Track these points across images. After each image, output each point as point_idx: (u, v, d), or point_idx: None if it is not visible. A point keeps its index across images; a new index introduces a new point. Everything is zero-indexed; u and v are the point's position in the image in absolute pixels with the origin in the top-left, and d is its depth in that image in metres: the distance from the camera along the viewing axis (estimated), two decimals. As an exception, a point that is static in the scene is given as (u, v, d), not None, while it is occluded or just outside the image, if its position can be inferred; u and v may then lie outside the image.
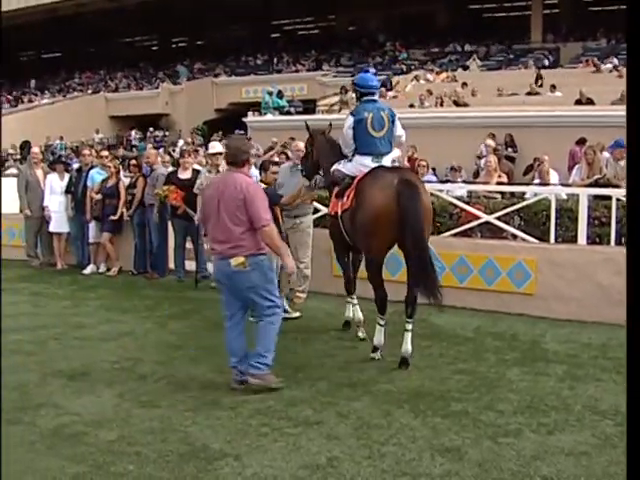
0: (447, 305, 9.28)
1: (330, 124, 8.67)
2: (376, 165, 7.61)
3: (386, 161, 7.79)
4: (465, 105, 22.68)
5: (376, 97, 8.14)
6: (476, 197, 11.26)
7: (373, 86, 8.08)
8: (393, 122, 7.79)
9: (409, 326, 7.18)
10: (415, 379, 6.72)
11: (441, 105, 23.38)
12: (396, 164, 12.31)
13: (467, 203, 10.79)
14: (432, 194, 10.53)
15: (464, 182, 13.17)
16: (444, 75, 30.04)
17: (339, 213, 7.73)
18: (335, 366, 7.10)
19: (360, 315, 8.29)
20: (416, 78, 29.43)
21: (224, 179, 6.54)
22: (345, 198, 7.63)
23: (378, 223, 7.06)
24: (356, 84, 8.06)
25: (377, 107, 7.80)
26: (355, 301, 8.40)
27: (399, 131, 7.95)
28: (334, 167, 7.99)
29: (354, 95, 8.45)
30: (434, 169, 15.56)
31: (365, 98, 7.87)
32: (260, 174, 9.35)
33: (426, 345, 7.82)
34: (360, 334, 8.13)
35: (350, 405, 6.04)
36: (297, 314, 9.16)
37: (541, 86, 24.37)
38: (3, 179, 16.26)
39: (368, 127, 7.61)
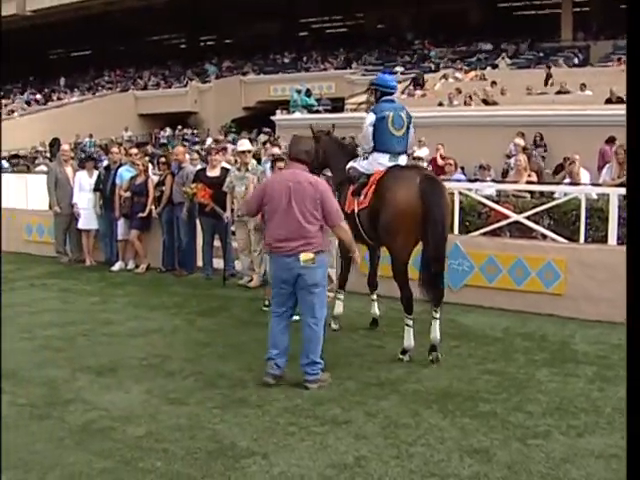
0: (475, 305, 9.37)
1: (333, 125, 8.88)
2: (393, 164, 7.70)
3: (402, 160, 7.89)
4: (494, 104, 22.56)
5: (394, 97, 8.24)
6: (505, 196, 11.16)
7: (393, 86, 8.17)
8: (410, 123, 7.89)
9: (436, 314, 7.30)
10: (443, 379, 6.69)
11: (470, 104, 23.27)
12: (424, 163, 12.34)
13: (496, 202, 10.71)
14: (461, 193, 10.53)
15: (493, 181, 13.06)
16: (473, 73, 29.90)
17: (356, 211, 7.76)
18: (363, 365, 7.09)
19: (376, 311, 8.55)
20: (445, 76, 29.33)
21: (293, 176, 6.53)
22: (362, 196, 7.68)
23: (404, 221, 7.12)
24: (376, 84, 8.10)
25: (396, 107, 7.90)
26: (374, 296, 8.58)
27: (412, 133, 8.05)
28: (350, 165, 8.05)
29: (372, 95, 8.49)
30: (462, 168, 15.47)
31: (385, 98, 7.93)
32: (272, 170, 9.51)
33: (454, 345, 7.78)
34: (333, 325, 8.37)
35: (378, 404, 6.02)
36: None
37: (552, 85, 24.25)
38: (33, 176, 16.45)
39: (389, 125, 7.70)
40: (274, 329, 6.62)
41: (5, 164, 27.01)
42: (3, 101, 44.45)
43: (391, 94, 8.04)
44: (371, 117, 7.74)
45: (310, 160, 6.71)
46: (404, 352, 7.33)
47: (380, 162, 7.69)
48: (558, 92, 23.16)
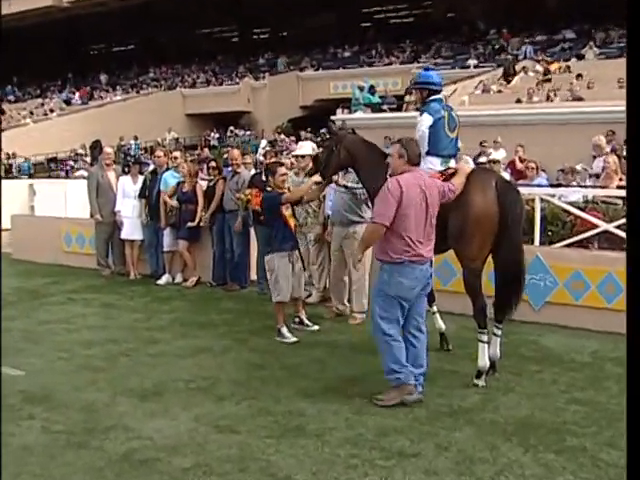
0: (559, 325, 9.21)
1: (352, 130, 9.09)
2: (444, 168, 7.78)
3: (452, 163, 7.96)
4: (580, 99, 22.24)
5: (442, 95, 8.36)
6: (593, 203, 10.97)
7: (440, 83, 8.27)
8: (458, 123, 8.03)
9: (498, 331, 7.46)
10: (524, 408, 6.57)
11: (552, 100, 22.99)
12: (501, 167, 12.20)
13: (583, 210, 10.54)
14: (543, 199, 10.38)
15: (579, 186, 12.84)
16: (556, 65, 29.55)
17: None
18: (433, 391, 6.99)
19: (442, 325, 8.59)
20: (524, 70, 29.05)
21: (422, 180, 6.78)
22: None
23: (480, 228, 7.17)
24: (424, 82, 8.11)
25: (447, 106, 8.04)
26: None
27: None
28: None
29: (414, 94, 8.52)
30: (544, 171, 15.26)
31: (433, 97, 8.00)
32: (267, 178, 9.54)
33: (536, 370, 7.65)
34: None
35: (451, 436, 5.94)
36: (316, 327, 9.43)
37: (579, 77, 23.75)
38: (72, 181, 16.70)
39: (445, 127, 7.79)
40: (398, 350, 6.69)
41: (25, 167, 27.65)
42: (39, 100, 45.39)
43: (439, 92, 8.14)
44: (428, 120, 7.79)
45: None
46: (479, 375, 7.26)
47: (431, 166, 7.71)
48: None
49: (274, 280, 9.08)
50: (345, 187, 9.60)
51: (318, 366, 7.75)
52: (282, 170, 9.36)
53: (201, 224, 12.48)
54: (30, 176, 30.26)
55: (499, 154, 14.48)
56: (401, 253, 6.59)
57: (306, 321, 9.46)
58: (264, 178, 9.81)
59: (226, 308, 10.81)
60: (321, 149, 9.19)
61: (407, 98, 25.54)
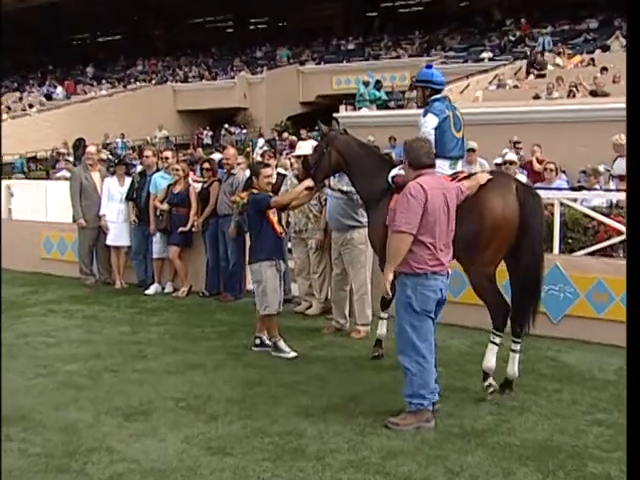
0: (580, 340, 9.21)
1: (344, 130, 9.12)
2: (453, 171, 7.86)
3: (460, 166, 8.07)
4: (605, 95, 22.21)
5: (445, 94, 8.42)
6: (618, 207, 10.96)
7: (443, 82, 8.35)
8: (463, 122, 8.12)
9: (516, 346, 7.47)
10: (542, 430, 6.57)
11: (574, 95, 22.98)
12: (516, 169, 12.22)
13: (606, 215, 10.54)
14: (562, 204, 10.38)
15: (603, 189, 12.84)
16: (578, 58, 29.52)
17: None
18: (443, 411, 6.98)
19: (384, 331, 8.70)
20: (538, 68, 29.01)
21: (442, 182, 6.88)
22: None
23: (498, 234, 7.26)
24: (426, 80, 8.20)
25: (451, 106, 8.10)
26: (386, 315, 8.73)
27: None
28: (394, 173, 8.12)
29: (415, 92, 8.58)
30: (564, 172, 15.28)
31: (437, 96, 8.08)
32: (251, 180, 9.61)
33: (555, 389, 7.65)
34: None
35: (462, 460, 5.94)
36: (293, 354, 9.10)
37: (604, 70, 23.70)
38: (53, 183, 16.66)
39: (451, 127, 7.87)
40: (430, 374, 6.72)
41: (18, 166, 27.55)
42: (17, 94, 45.32)
43: (440, 91, 8.21)
44: (434, 120, 7.85)
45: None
46: (486, 376, 7.42)
47: (439, 169, 7.69)
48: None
49: (261, 292, 9.04)
50: (341, 191, 9.59)
51: (318, 383, 7.76)
52: (267, 171, 9.35)
53: (193, 229, 12.51)
54: (47, 172, 30.26)
55: (515, 155, 14.44)
56: (424, 263, 6.60)
57: (267, 341, 9.25)
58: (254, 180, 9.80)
59: (220, 320, 10.82)
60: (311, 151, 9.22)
61: (408, 94, 25.62)
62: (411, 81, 8.12)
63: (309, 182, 8.85)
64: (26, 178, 26.06)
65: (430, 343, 6.73)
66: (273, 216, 9.10)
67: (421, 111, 8.13)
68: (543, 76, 26.95)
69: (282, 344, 8.98)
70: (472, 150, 13.19)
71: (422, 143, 6.96)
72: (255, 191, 9.25)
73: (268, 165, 10.00)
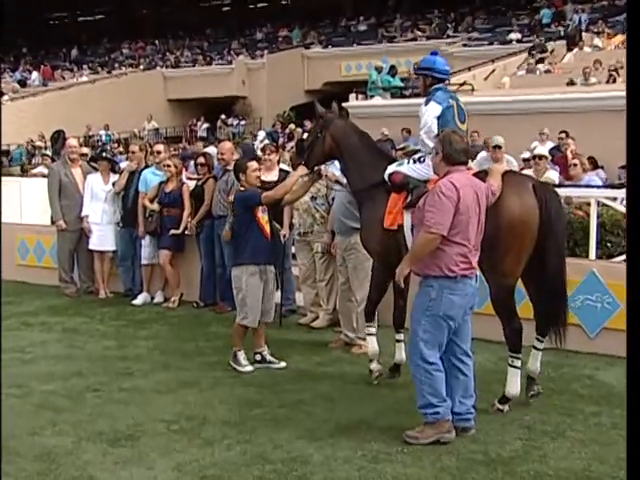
0: (620, 356, 9.16)
1: (343, 109, 9.03)
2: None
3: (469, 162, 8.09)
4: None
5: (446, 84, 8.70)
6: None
7: (448, 71, 8.56)
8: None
9: (540, 345, 7.75)
10: (578, 458, 6.55)
11: (614, 81, 22.91)
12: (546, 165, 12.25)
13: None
14: (600, 203, 10.36)
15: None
16: (619, 38, 29.38)
17: (407, 227, 7.92)
18: (465, 435, 6.98)
19: (403, 356, 8.60)
20: (578, 45, 28.97)
21: (473, 180, 6.93)
22: None
23: (518, 238, 7.31)
24: (429, 68, 8.31)
25: (453, 96, 8.26)
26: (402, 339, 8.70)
27: None
28: (393, 169, 8.19)
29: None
30: (602, 168, 15.27)
31: (439, 85, 8.21)
32: (237, 177, 9.59)
33: (592, 412, 7.63)
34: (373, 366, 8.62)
35: (487, 490, 5.93)
36: (283, 364, 9.28)
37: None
38: (29, 180, 16.61)
39: (455, 117, 7.97)
40: (439, 381, 6.80)
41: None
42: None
43: (444, 81, 8.38)
44: (436, 109, 7.96)
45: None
46: (505, 401, 7.50)
47: None
48: None
49: (241, 301, 9.09)
50: (338, 183, 9.59)
51: (326, 403, 7.77)
52: (253, 165, 9.36)
53: (187, 232, 12.48)
54: (21, 167, 30.26)
55: (545, 148, 14.42)
56: (456, 265, 6.69)
57: (269, 357, 9.30)
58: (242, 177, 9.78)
59: (216, 334, 10.84)
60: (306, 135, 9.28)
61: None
62: (413, 68, 8.16)
63: (302, 170, 8.88)
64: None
65: (440, 349, 6.81)
66: (262, 215, 9.13)
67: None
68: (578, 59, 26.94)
69: (241, 356, 9.06)
70: (498, 147, 13.19)
71: (459, 138, 7.00)
72: (242, 189, 9.27)
73: (254, 158, 10.00)
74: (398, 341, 8.70)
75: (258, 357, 9.28)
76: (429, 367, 6.73)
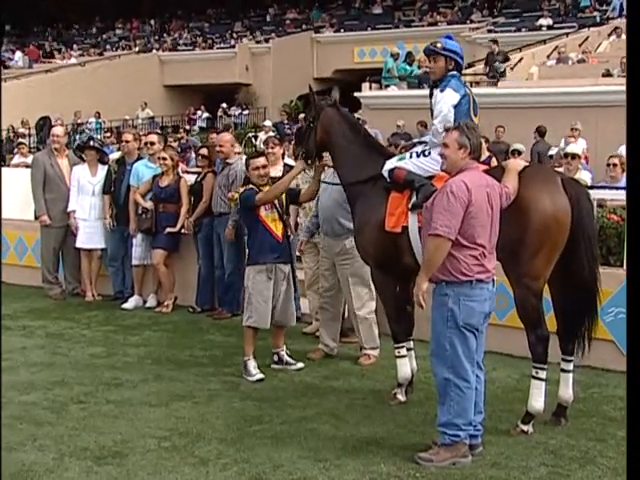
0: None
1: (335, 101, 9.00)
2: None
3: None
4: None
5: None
6: None
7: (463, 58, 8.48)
8: None
9: (568, 366, 7.64)
10: (611, 485, 6.54)
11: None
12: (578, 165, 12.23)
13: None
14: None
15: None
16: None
17: (412, 228, 7.88)
18: (485, 459, 6.96)
19: (414, 365, 8.69)
20: (616, 32, 28.88)
21: (485, 178, 6.95)
22: None
23: (549, 238, 7.28)
24: (457, 53, 8.25)
25: (468, 87, 8.30)
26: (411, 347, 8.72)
27: None
28: (392, 165, 8.15)
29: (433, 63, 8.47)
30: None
31: (454, 73, 8.16)
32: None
33: (625, 436, 7.57)
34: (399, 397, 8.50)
35: (508, 519, 5.94)
36: (300, 364, 9.58)
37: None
38: (10, 170, 16.53)
39: (470, 109, 7.97)
40: (470, 402, 6.81)
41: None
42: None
43: (461, 69, 8.34)
44: (454, 96, 7.93)
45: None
46: (528, 420, 7.45)
47: None
48: None
49: (247, 299, 9.28)
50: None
51: (331, 420, 7.76)
52: (257, 162, 9.40)
53: (184, 230, 12.50)
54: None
55: (577, 146, 14.36)
56: (470, 269, 6.68)
57: (287, 358, 9.53)
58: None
59: (213, 342, 10.86)
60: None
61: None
62: (429, 49, 7.99)
63: (301, 164, 8.95)
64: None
65: (473, 364, 6.80)
66: (266, 213, 9.19)
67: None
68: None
69: (251, 365, 9.18)
70: (518, 152, 13.15)
71: (478, 133, 7.02)
72: (252, 186, 9.30)
73: (262, 154, 10.00)
74: (409, 349, 8.65)
75: (275, 357, 9.53)
76: (464, 385, 6.73)
